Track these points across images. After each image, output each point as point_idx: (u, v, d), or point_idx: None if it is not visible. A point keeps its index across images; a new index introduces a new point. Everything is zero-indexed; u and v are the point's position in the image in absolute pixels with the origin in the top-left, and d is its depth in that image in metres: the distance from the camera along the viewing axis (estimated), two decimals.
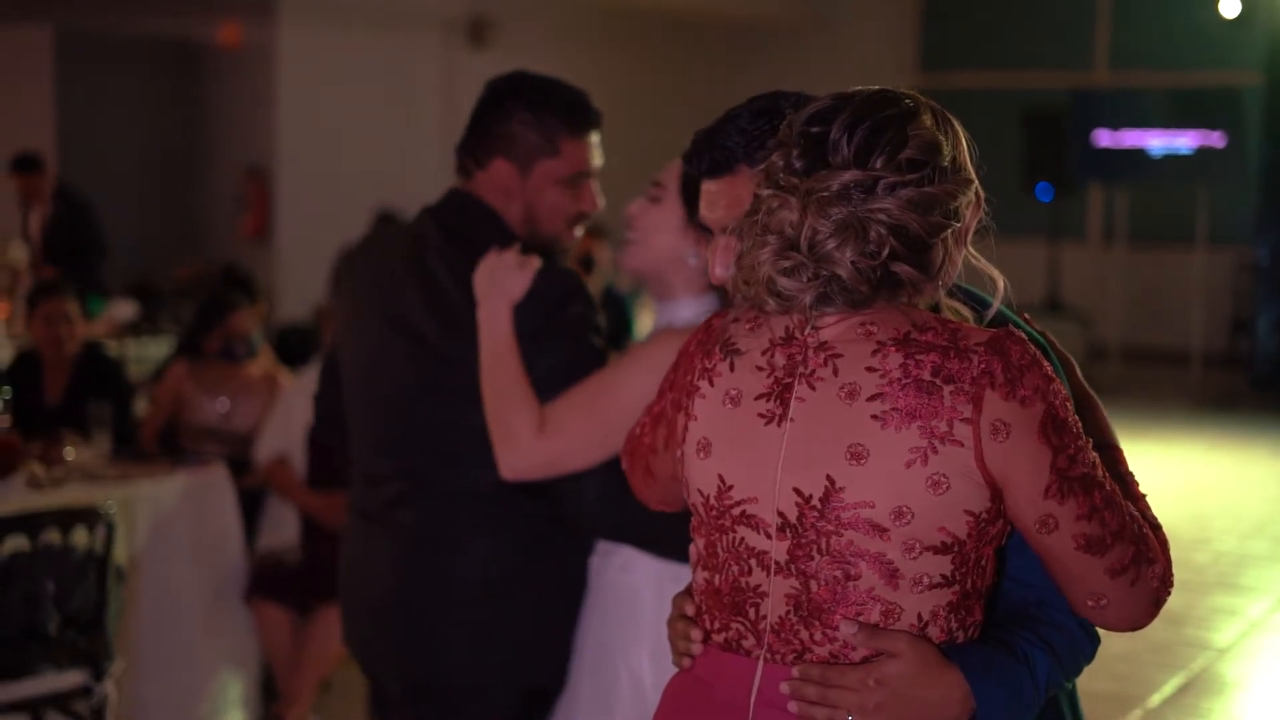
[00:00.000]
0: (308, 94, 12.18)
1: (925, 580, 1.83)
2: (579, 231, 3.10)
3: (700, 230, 2.68)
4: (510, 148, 2.99)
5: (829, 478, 1.81)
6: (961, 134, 1.92)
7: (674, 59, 14.71)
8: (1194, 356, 13.24)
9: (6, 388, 5.31)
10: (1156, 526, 1.94)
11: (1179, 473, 9.93)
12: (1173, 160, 13.21)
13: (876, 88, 1.91)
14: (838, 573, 1.82)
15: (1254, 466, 10.39)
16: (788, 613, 1.85)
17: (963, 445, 1.79)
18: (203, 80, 12.67)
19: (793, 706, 1.84)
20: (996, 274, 1.94)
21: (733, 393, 1.90)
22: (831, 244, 1.81)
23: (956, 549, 1.82)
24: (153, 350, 8.75)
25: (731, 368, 1.91)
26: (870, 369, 1.82)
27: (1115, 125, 13.25)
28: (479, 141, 3.02)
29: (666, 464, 2.10)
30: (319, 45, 12.22)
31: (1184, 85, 14.12)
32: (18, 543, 4.30)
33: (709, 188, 2.27)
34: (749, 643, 1.89)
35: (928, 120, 1.87)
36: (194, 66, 12.67)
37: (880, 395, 1.80)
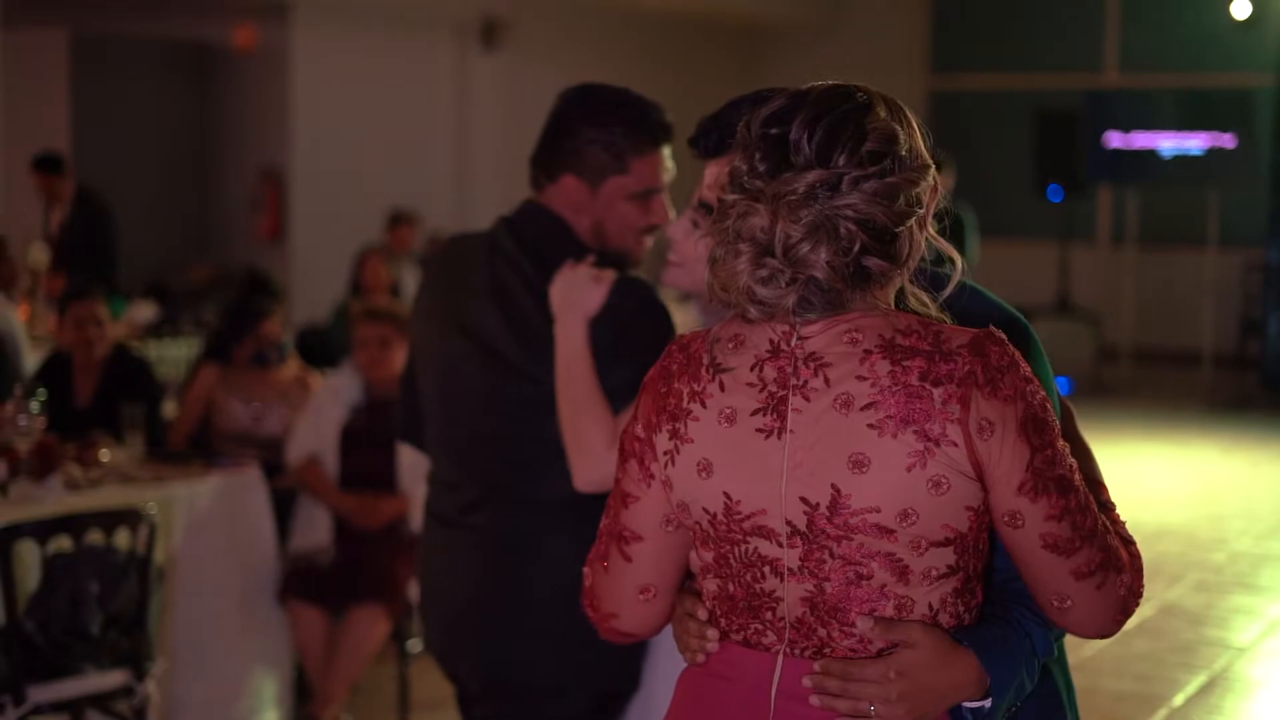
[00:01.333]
0: (322, 96, 12.22)
1: (933, 572, 1.88)
2: (649, 241, 3.11)
3: None
4: (579, 164, 3.00)
5: (834, 486, 1.85)
6: (915, 121, 1.94)
7: (685, 60, 14.75)
8: (1205, 357, 13.27)
9: (41, 390, 5.34)
10: (1129, 541, 1.98)
11: (1194, 474, 9.96)
12: (1184, 162, 13.24)
13: (829, 83, 1.94)
14: (850, 574, 1.87)
15: (1268, 467, 10.42)
16: (805, 613, 1.90)
17: (956, 445, 1.83)
18: (217, 83, 12.71)
19: (815, 700, 1.89)
20: (955, 254, 1.97)
21: (727, 411, 1.90)
22: (805, 247, 1.84)
23: (959, 540, 1.88)
24: (173, 352, 8.78)
25: (722, 387, 1.91)
26: (860, 378, 1.84)
27: (1126, 127, 13.28)
28: (549, 155, 3.03)
29: (649, 508, 2.00)
30: (333, 48, 12.26)
31: (1195, 87, 14.15)
32: (61, 543, 4.34)
33: (713, 169, 2.35)
34: (769, 639, 1.93)
35: (882, 112, 1.90)
36: (208, 69, 12.70)
37: (873, 404, 1.83)
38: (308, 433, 5.66)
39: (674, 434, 1.94)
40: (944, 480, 1.84)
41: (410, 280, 9.89)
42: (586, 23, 14.09)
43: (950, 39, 16.04)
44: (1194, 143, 13.15)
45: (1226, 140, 12.99)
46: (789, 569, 1.89)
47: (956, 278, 1.96)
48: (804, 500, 1.86)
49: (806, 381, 1.87)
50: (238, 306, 6.49)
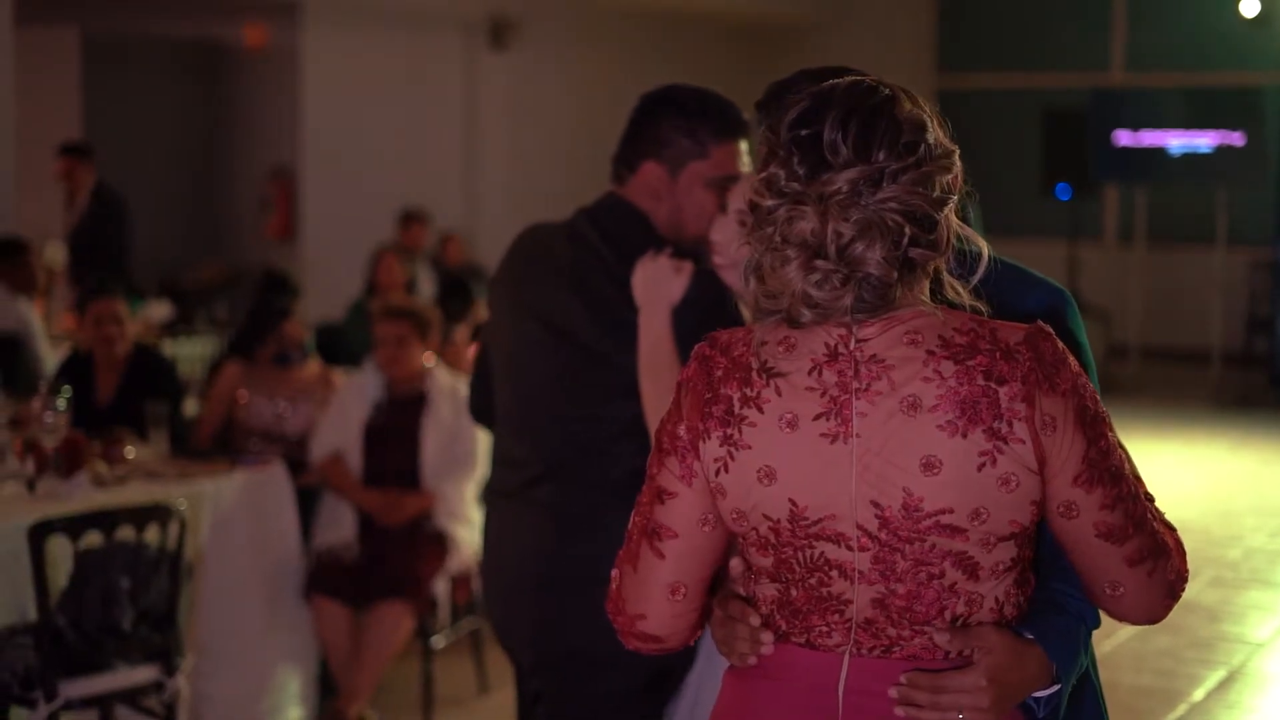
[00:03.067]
0: (332, 95, 12.23)
1: (1000, 567, 1.91)
2: None
3: None
4: (660, 151, 3.11)
5: (905, 489, 1.85)
6: (931, 109, 1.95)
7: (693, 60, 14.75)
8: (1213, 355, 13.29)
9: (67, 387, 5.36)
10: (1171, 528, 2.00)
11: (1205, 471, 9.97)
12: (1192, 160, 13.24)
13: (849, 80, 1.94)
14: (921, 574, 1.88)
15: (1278, 464, 10.44)
16: (875, 614, 1.90)
17: (1024, 442, 1.85)
18: (228, 82, 12.72)
19: (901, 711, 1.90)
20: (981, 241, 1.97)
21: (788, 416, 1.88)
22: (859, 246, 1.84)
23: (1022, 533, 1.91)
24: (188, 350, 8.80)
25: (779, 392, 1.89)
26: (926, 379, 1.85)
27: (1134, 125, 13.29)
28: (631, 147, 3.14)
29: (687, 506, 1.97)
30: (343, 47, 12.27)
31: (1203, 85, 14.16)
32: (92, 539, 4.36)
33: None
34: (834, 640, 1.93)
35: (907, 103, 1.91)
36: (219, 69, 12.72)
37: (941, 404, 1.84)
38: (331, 430, 5.68)
39: (727, 440, 1.92)
40: (1013, 478, 1.85)
41: (425, 278, 9.91)
42: (595, 22, 14.10)
43: (957, 38, 16.05)
44: (1202, 141, 13.16)
45: (1235, 139, 13.00)
46: (859, 572, 1.89)
47: (984, 263, 1.95)
48: (875, 504, 1.87)
49: (870, 384, 1.87)
50: (260, 305, 6.50)
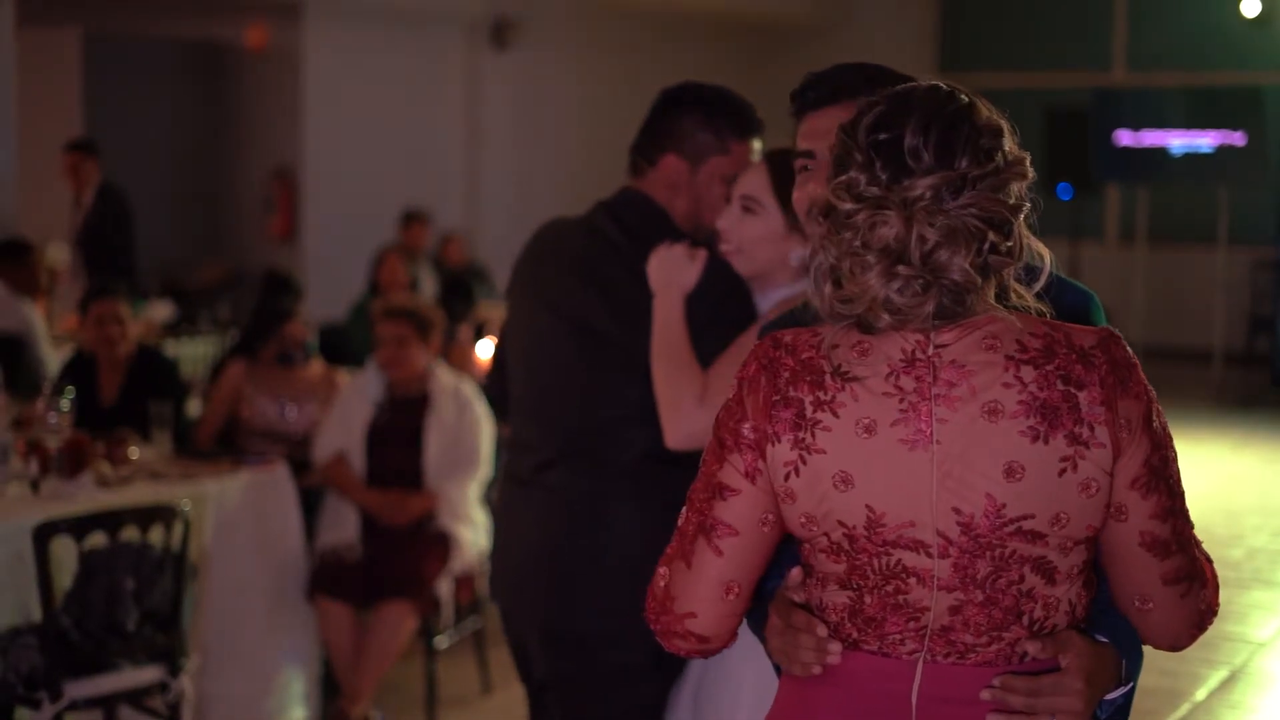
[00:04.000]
0: (334, 95, 12.24)
1: (1074, 570, 1.90)
2: None
3: (800, 232, 2.92)
4: (682, 144, 3.20)
5: (989, 496, 1.84)
6: (1000, 114, 1.96)
7: (694, 59, 14.75)
8: (1215, 355, 13.29)
9: (70, 388, 5.37)
10: (1209, 560, 2.00)
11: (1206, 471, 9.98)
12: (1193, 160, 13.25)
13: (925, 84, 1.94)
14: (1000, 580, 1.87)
15: None
16: (951, 621, 1.89)
17: (1104, 446, 1.84)
18: (229, 82, 12.72)
19: (994, 717, 1.89)
20: (1042, 246, 1.96)
21: (865, 421, 1.87)
22: (944, 252, 1.83)
23: (1095, 536, 1.90)
24: (190, 350, 8.81)
25: (855, 396, 1.87)
26: (1006, 384, 1.84)
27: (1136, 125, 13.29)
28: (651, 140, 3.23)
29: (749, 504, 1.95)
30: (344, 47, 12.28)
31: (1205, 85, 14.17)
32: (97, 540, 4.37)
33: (818, 121, 2.35)
34: (908, 647, 1.91)
35: (984, 109, 1.91)
36: (221, 69, 12.72)
37: (1023, 410, 1.83)
38: (335, 431, 5.69)
39: (799, 444, 1.89)
40: (1093, 483, 1.85)
41: (427, 279, 9.91)
42: (597, 22, 14.11)
43: (958, 37, 16.06)
44: (1204, 141, 13.16)
45: (1236, 138, 13.00)
46: (938, 578, 1.88)
47: (1048, 270, 1.94)
48: (956, 510, 1.85)
49: (949, 390, 1.85)
50: (262, 306, 6.50)
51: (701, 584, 1.98)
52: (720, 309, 3.07)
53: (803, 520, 1.92)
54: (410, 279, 9.13)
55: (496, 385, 3.47)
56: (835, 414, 1.88)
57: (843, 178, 1.88)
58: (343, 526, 5.62)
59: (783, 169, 3.06)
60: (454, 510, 5.61)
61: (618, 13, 14.18)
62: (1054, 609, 1.90)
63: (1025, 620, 1.89)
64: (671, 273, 3.07)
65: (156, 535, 4.47)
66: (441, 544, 5.56)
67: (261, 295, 7.71)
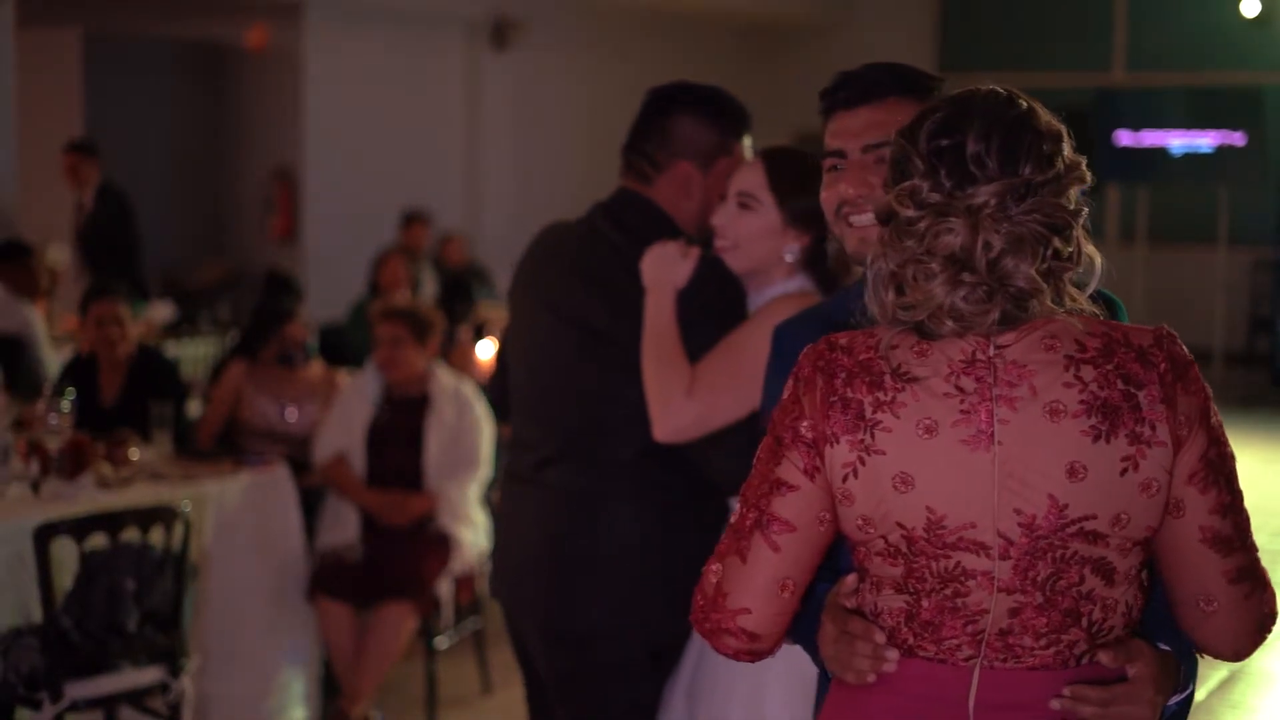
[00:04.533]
0: (334, 96, 12.24)
1: (1132, 571, 1.90)
2: None
3: (796, 228, 3.05)
4: (691, 150, 3.26)
5: (1051, 497, 1.83)
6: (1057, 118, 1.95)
7: (694, 59, 14.76)
8: (1215, 355, 13.30)
9: (70, 389, 5.38)
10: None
11: None
12: (1193, 160, 13.26)
13: (983, 89, 1.93)
14: (1061, 582, 1.86)
15: None
16: (1010, 624, 1.88)
17: (1165, 445, 1.84)
18: (229, 83, 12.73)
19: None
20: (1095, 252, 1.95)
21: (926, 422, 1.86)
22: (1009, 259, 1.83)
23: (1153, 537, 1.89)
24: (191, 351, 8.81)
25: (915, 396, 1.87)
26: (1067, 384, 1.83)
27: (1136, 125, 13.30)
28: (655, 145, 3.27)
29: (807, 501, 1.94)
30: (344, 48, 12.28)
31: (1204, 85, 14.17)
32: (97, 541, 4.37)
33: (849, 121, 2.33)
34: (964, 653, 1.90)
35: (1043, 115, 1.90)
36: (221, 69, 12.73)
37: (1084, 409, 1.83)
38: (335, 431, 5.69)
39: (858, 445, 1.88)
40: (1154, 483, 1.85)
41: (427, 279, 9.92)
42: (597, 22, 14.12)
43: (958, 38, 16.06)
44: (1203, 141, 13.17)
45: (1236, 138, 13.02)
46: (998, 580, 1.87)
47: (1099, 272, 1.93)
48: (1018, 512, 1.84)
49: (1010, 391, 1.85)
50: (263, 307, 6.51)
51: (757, 579, 1.95)
52: (711, 305, 3.11)
53: (860, 522, 1.91)
54: (412, 280, 9.13)
55: (498, 386, 3.52)
56: (895, 414, 1.87)
57: (905, 185, 1.88)
58: (343, 527, 5.62)
59: (779, 166, 3.10)
60: (454, 511, 5.61)
61: (618, 13, 14.19)
62: (1112, 611, 1.89)
63: (1084, 622, 1.88)
64: (664, 270, 3.11)
65: (157, 536, 4.47)
66: (441, 544, 5.57)
67: (262, 296, 7.72)
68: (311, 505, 5.66)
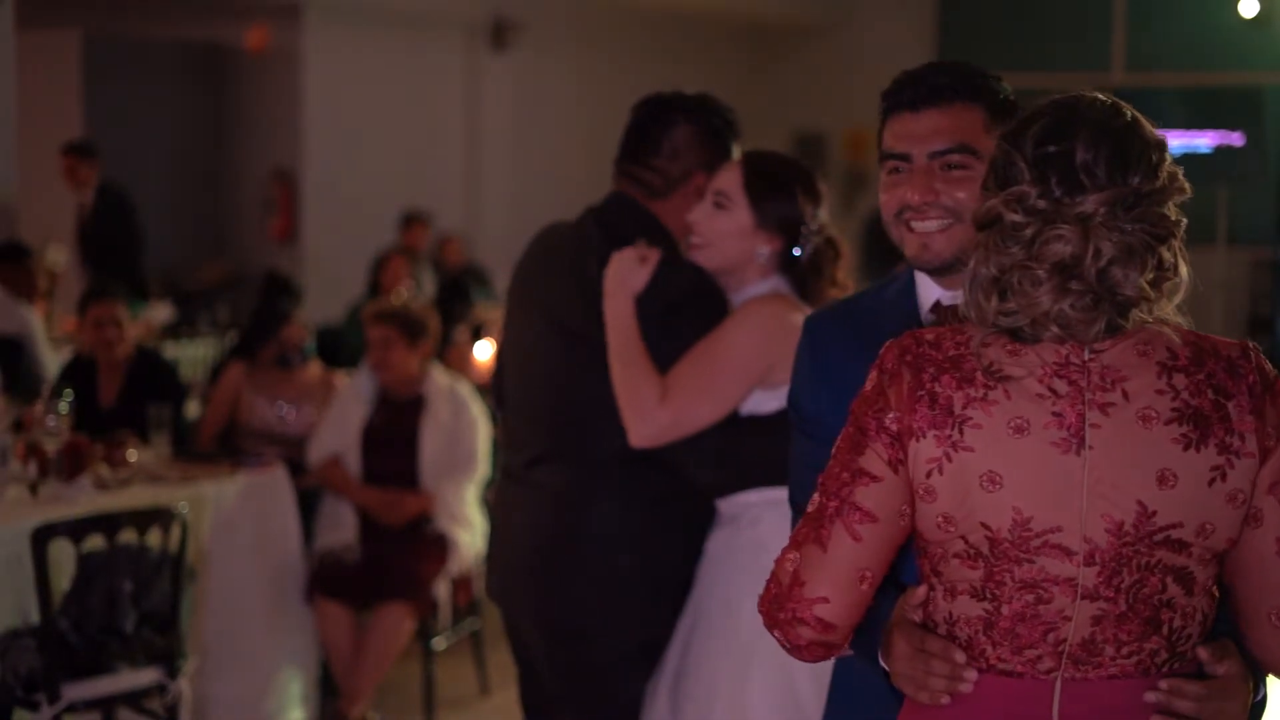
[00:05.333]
0: (333, 97, 12.24)
1: (1209, 582, 1.90)
2: None
3: (767, 231, 3.13)
4: (700, 161, 3.33)
5: (1140, 503, 1.83)
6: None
7: (694, 60, 14.77)
8: None
9: (68, 391, 5.38)
10: None
11: None
12: (1191, 160, 13.22)
13: (1086, 95, 1.93)
14: (1145, 589, 1.85)
15: None
16: (1092, 632, 1.87)
17: (1253, 456, 1.85)
18: (229, 84, 12.73)
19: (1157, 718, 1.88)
20: (1186, 264, 1.96)
21: (1017, 422, 1.84)
22: (1118, 269, 1.84)
23: (1230, 548, 1.90)
24: (190, 352, 8.82)
25: (1008, 395, 1.85)
26: (1160, 391, 1.84)
27: None
28: (667, 160, 3.32)
29: (889, 492, 1.92)
30: (344, 49, 12.28)
31: (1203, 85, 14.17)
32: (95, 542, 4.38)
33: (913, 124, 2.29)
34: (1044, 665, 1.89)
35: (1147, 124, 1.91)
36: (221, 70, 12.73)
37: (1176, 417, 1.83)
38: (330, 433, 5.70)
39: (945, 440, 1.86)
40: (1240, 494, 1.85)
41: (427, 280, 9.93)
42: (597, 23, 14.12)
43: (957, 39, 16.06)
44: (1202, 141, 13.16)
45: (1235, 139, 13.00)
46: (1083, 587, 1.85)
47: (1185, 283, 1.93)
48: (1106, 517, 1.83)
49: (1103, 395, 1.84)
50: (261, 308, 6.52)
51: (838, 568, 1.91)
52: (673, 310, 3.16)
53: (940, 520, 1.89)
54: (414, 281, 9.15)
55: (498, 386, 3.57)
56: (986, 412, 1.85)
57: (1013, 190, 1.87)
58: (341, 528, 5.63)
59: (757, 169, 3.15)
60: (451, 512, 5.62)
61: (617, 14, 14.19)
62: (1190, 619, 1.89)
63: (1164, 630, 1.88)
64: (623, 276, 3.16)
65: (154, 537, 4.48)
66: (439, 546, 5.58)
67: (260, 298, 7.73)
68: (309, 506, 5.67)
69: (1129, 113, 1.90)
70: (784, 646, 1.98)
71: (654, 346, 3.12)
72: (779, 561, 1.97)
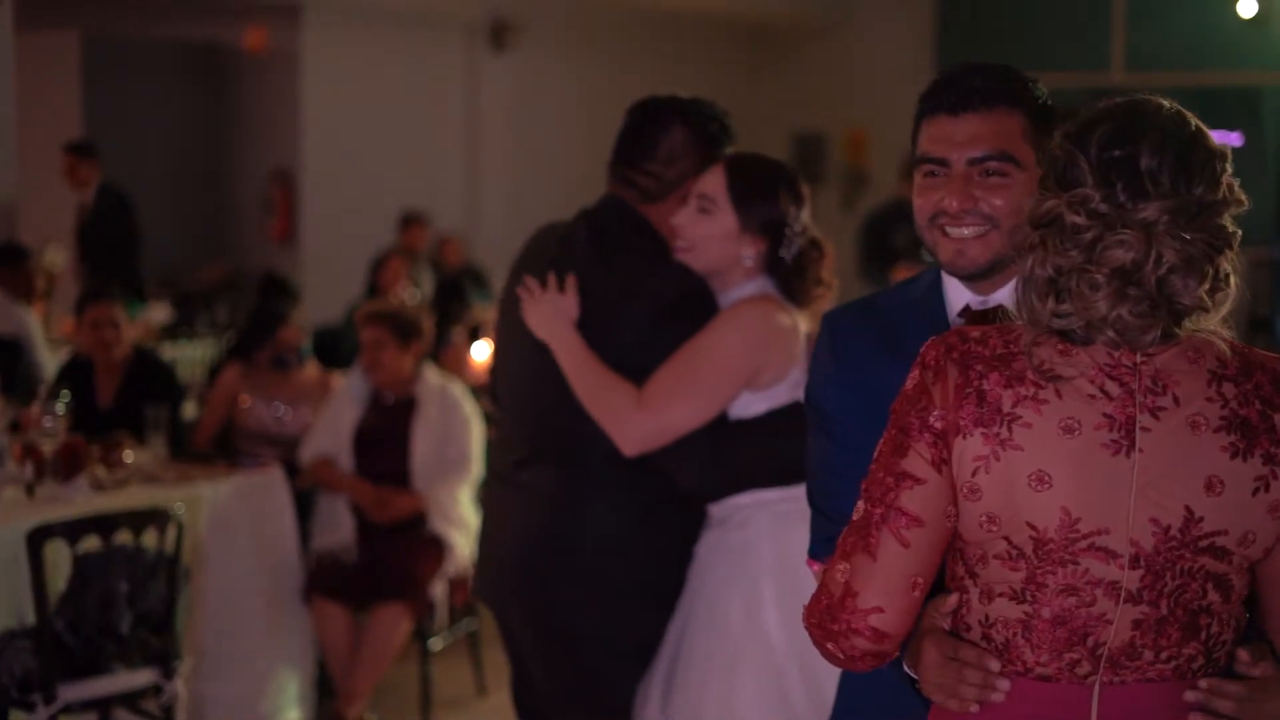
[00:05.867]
0: (332, 98, 12.24)
1: (1244, 590, 1.92)
2: None
3: (751, 234, 3.15)
4: (698, 165, 3.32)
5: (1187, 509, 1.83)
6: None
7: (694, 60, 14.79)
8: None
9: (66, 392, 5.39)
10: None
11: None
12: None
13: (1150, 101, 1.93)
14: (1186, 595, 1.86)
15: None
16: (1132, 636, 1.87)
17: None
18: (228, 85, 12.74)
19: (1195, 718, 1.88)
20: (1235, 275, 1.96)
21: (1068, 422, 1.84)
22: (1178, 278, 1.83)
23: (1266, 559, 1.91)
24: (188, 353, 8.82)
25: (1059, 394, 1.85)
26: (1209, 399, 1.85)
27: None
28: (664, 165, 3.32)
29: (934, 494, 1.90)
30: (343, 49, 12.28)
31: (1202, 85, 14.18)
32: (91, 543, 4.38)
33: (953, 128, 2.23)
34: (1083, 669, 1.89)
35: (1210, 135, 1.91)
36: (219, 71, 12.74)
37: (1225, 425, 1.84)
38: (324, 433, 5.71)
39: (993, 439, 1.85)
40: None
41: (425, 281, 9.93)
42: (596, 23, 14.12)
43: (956, 39, 16.06)
44: None
45: (1233, 138, 13.00)
46: (1127, 591, 1.85)
47: (1233, 295, 1.93)
48: (1154, 521, 1.83)
49: (1154, 399, 1.84)
50: (258, 310, 6.53)
51: (891, 576, 1.89)
52: (682, 309, 3.18)
53: (984, 519, 1.88)
54: (413, 282, 9.15)
55: (495, 387, 3.61)
56: (1037, 411, 1.84)
57: (1077, 193, 1.86)
58: (338, 528, 5.64)
59: (740, 173, 3.15)
60: (445, 513, 5.62)
61: (617, 14, 14.19)
62: (1226, 626, 1.90)
63: (1203, 636, 1.88)
64: (554, 316, 3.20)
65: (150, 538, 4.48)
66: (436, 547, 5.58)
67: (257, 299, 7.74)
68: (306, 507, 5.67)
69: (1194, 121, 1.90)
70: (834, 659, 1.95)
71: (648, 349, 3.13)
72: (828, 572, 1.94)
